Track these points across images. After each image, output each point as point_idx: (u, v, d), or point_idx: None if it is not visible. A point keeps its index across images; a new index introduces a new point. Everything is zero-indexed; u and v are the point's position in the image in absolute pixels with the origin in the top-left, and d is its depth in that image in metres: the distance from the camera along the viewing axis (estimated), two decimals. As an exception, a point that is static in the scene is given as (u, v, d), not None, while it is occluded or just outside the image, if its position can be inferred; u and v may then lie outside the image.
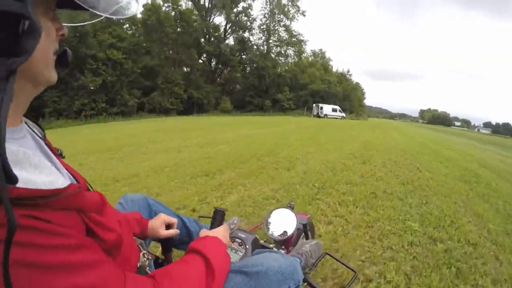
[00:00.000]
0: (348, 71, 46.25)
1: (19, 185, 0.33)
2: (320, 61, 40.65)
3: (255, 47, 35.78)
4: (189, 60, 32.07)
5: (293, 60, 37.74)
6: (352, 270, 1.15)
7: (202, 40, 33.53)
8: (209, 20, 35.39)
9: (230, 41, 36.04)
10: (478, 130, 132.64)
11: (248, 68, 35.21)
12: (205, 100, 32.87)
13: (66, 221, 0.39)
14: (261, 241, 1.09)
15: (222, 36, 35.58)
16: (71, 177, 0.52)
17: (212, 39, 34.34)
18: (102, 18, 0.47)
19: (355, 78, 50.36)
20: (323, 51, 42.40)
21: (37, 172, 0.37)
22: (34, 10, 0.35)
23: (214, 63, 36.25)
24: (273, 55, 36.13)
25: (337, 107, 33.30)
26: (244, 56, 35.49)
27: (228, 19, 35.46)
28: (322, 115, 30.97)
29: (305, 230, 1.21)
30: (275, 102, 33.24)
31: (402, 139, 10.45)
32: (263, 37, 36.27)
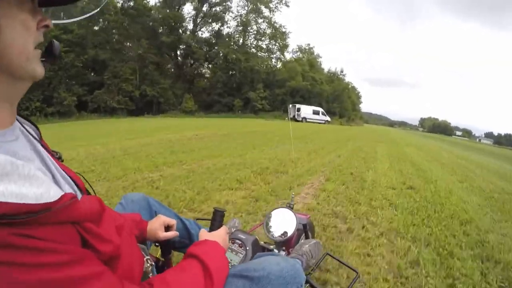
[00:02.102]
0: (342, 71, 40.44)
1: (7, 199, 0.32)
2: (307, 56, 34.87)
3: (227, 39, 30.28)
4: (143, 53, 27.05)
5: (275, 56, 32.15)
6: (354, 270, 1.10)
7: (160, 30, 28.47)
8: (177, 9, 30.10)
9: (205, 32, 31.15)
10: (480, 140, 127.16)
11: (217, 62, 29.57)
12: (161, 99, 27.88)
13: (60, 236, 0.37)
14: (262, 242, 1.07)
15: (191, 27, 30.26)
16: (70, 180, 0.50)
17: (178, 30, 28.96)
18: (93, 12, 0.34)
19: (351, 81, 43.84)
20: (310, 46, 36.59)
21: (27, 184, 0.35)
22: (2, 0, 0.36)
23: (180, 57, 30.81)
24: (253, 49, 30.67)
25: (320, 109, 27.21)
26: (213, 50, 29.87)
27: (198, 9, 30.19)
28: (300, 119, 25.13)
29: (305, 230, 1.19)
30: (247, 102, 27.43)
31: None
32: (239, 28, 30.87)
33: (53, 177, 0.46)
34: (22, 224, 0.33)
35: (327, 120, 26.78)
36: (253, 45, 31.45)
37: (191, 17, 30.58)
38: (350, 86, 42.00)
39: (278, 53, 32.47)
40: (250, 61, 27.16)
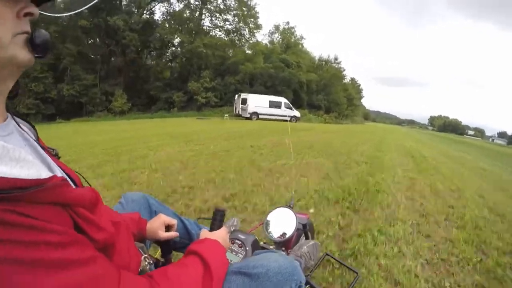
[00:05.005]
0: (336, 59, 32.79)
1: None
2: (284, 37, 28.05)
3: (176, 20, 23.73)
4: (54, 42, 21.00)
5: (244, 38, 25.44)
6: (354, 271, 1.10)
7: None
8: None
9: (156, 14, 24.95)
10: (493, 140, 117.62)
11: (154, 46, 23.02)
12: (84, 98, 21.78)
13: (53, 217, 0.37)
14: (261, 243, 1.06)
15: (126, 7, 23.93)
16: (64, 174, 0.50)
17: (102, 10, 22.57)
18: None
19: (343, 67, 34.89)
20: (290, 25, 29.66)
21: (18, 166, 0.35)
22: None
23: (113, 45, 24.36)
24: (219, 32, 23.97)
25: (282, 100, 19.13)
26: (153, 34, 23.36)
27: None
28: (247, 115, 17.60)
29: (305, 230, 1.19)
30: (192, 96, 20.76)
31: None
32: (196, 4, 24.38)
33: (51, 170, 0.45)
34: (14, 201, 0.32)
35: (294, 116, 18.99)
36: (213, 26, 24.90)
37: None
38: (343, 75, 34.22)
39: (248, 35, 25.81)
40: (195, 42, 20.39)
